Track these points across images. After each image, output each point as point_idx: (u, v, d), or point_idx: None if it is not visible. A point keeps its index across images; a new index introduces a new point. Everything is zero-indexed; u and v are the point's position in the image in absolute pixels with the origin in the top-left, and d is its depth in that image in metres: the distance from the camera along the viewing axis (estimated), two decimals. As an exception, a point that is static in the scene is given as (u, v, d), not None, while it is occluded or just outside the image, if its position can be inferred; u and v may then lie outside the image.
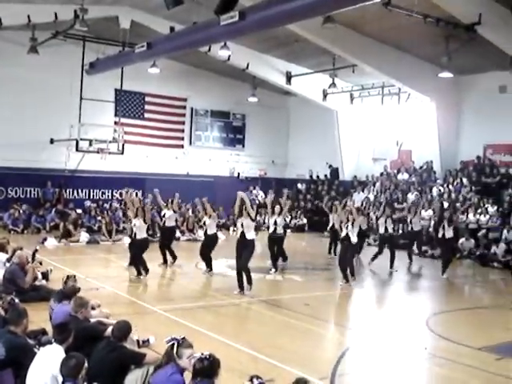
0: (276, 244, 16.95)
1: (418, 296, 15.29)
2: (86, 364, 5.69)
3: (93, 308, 8.85)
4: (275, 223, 16.74)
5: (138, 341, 8.37)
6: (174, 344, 5.74)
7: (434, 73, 22.23)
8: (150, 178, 27.59)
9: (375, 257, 18.58)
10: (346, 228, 14.80)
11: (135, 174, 27.67)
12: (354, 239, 14.79)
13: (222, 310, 12.22)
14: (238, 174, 32.09)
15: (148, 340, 8.58)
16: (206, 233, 16.42)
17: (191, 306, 12.25)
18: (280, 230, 16.97)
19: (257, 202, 30.09)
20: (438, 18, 18.51)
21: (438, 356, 9.39)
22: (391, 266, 18.03)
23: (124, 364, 6.60)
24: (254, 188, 30.99)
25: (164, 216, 17.66)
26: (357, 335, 10.84)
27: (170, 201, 17.70)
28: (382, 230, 18.84)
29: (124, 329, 6.81)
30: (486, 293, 16.42)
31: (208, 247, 16.01)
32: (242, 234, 13.34)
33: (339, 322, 12.25)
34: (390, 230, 18.87)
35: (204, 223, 16.64)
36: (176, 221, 19.86)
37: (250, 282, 13.43)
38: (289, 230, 28.23)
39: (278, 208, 16.86)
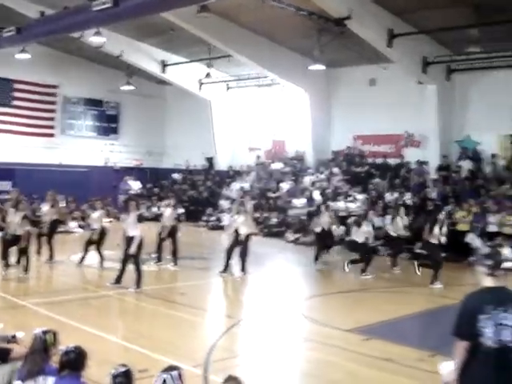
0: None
1: (292, 282, 15.67)
2: None
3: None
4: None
5: (6, 336, 8.02)
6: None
7: (307, 65, 22.79)
8: (19, 168, 26.47)
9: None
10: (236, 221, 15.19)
11: (4, 165, 26.38)
12: (242, 231, 15.02)
13: (95, 303, 12.00)
14: (113, 163, 31.43)
15: (15, 336, 8.24)
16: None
17: (62, 299, 11.91)
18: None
19: (132, 192, 29.72)
20: (310, 11, 18.99)
21: (309, 339, 9.69)
22: None
23: (-12, 360, 6.33)
24: (130, 178, 30.46)
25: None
26: (232, 322, 10.95)
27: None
28: None
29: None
30: (356, 277, 17.06)
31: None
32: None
33: (214, 310, 12.37)
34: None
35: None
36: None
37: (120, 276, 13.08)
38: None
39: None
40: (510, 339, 4.58)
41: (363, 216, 17.50)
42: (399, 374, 7.97)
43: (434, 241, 14.81)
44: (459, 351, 4.62)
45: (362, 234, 16.16)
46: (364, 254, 16.18)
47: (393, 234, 17.47)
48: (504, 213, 18.63)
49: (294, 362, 8.95)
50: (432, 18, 19.40)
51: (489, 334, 4.53)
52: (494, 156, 21.82)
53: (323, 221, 17.53)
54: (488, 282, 4.74)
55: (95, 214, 15.96)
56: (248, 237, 15.28)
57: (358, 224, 16.71)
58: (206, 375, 7.56)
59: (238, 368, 7.91)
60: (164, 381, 4.71)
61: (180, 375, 4.78)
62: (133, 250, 12.69)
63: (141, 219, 13.63)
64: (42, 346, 5.71)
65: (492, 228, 18.66)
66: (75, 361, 5.27)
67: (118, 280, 12.92)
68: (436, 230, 14.83)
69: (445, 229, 15.10)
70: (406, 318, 11.20)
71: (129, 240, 12.90)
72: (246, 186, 27.76)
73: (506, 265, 4.79)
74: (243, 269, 15.08)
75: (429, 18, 19.57)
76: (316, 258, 17.20)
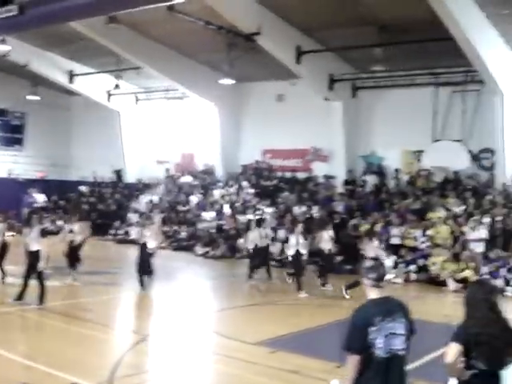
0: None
1: (201, 296, 15.62)
2: None
3: None
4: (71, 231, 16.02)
5: None
6: None
7: (217, 79, 22.91)
8: None
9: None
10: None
11: None
12: (150, 245, 14.73)
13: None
14: (17, 175, 30.42)
15: None
16: None
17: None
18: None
19: (36, 205, 28.89)
20: (220, 25, 19.13)
21: (216, 353, 9.67)
22: None
23: None
24: (35, 191, 29.58)
25: None
26: (138, 338, 10.78)
27: None
28: None
29: None
30: (264, 290, 17.19)
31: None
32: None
33: (120, 325, 12.14)
34: None
35: None
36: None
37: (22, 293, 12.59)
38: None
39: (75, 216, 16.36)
40: (399, 347, 4.78)
41: (290, 229, 17.46)
42: (305, 386, 8.08)
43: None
44: (352, 365, 4.74)
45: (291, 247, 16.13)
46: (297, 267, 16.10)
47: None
48: (406, 226, 19.29)
49: (202, 377, 8.91)
50: (339, 36, 19.96)
51: (379, 345, 4.69)
52: (397, 171, 22.58)
53: (253, 237, 17.15)
54: (374, 293, 4.93)
55: None
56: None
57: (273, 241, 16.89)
58: (111, 392, 7.42)
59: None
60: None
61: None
62: (41, 265, 12.31)
63: (44, 233, 13.23)
64: None
65: (395, 240, 19.27)
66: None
67: (20, 296, 12.48)
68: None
69: None
70: (313, 330, 11.36)
71: (30, 255, 12.50)
72: (155, 198, 27.52)
73: (388, 276, 5.00)
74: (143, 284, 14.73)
75: (336, 37, 20.13)
76: (250, 276, 16.86)
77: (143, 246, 14.78)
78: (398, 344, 4.78)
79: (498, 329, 4.87)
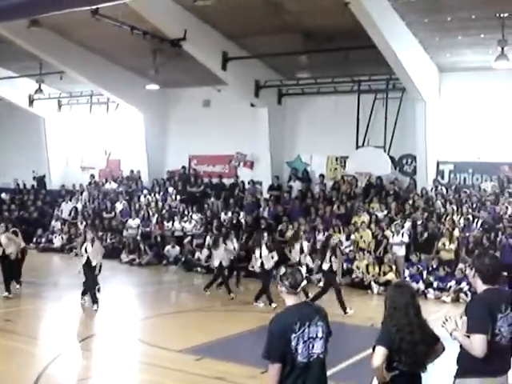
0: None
1: (126, 304, 15.41)
2: None
3: None
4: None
5: None
6: None
7: (143, 84, 22.76)
8: None
9: None
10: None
11: None
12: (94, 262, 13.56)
13: None
14: None
15: None
16: None
17: None
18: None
19: None
20: (145, 31, 18.96)
21: (140, 361, 9.59)
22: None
23: None
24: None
25: None
26: (62, 348, 10.54)
27: None
28: None
29: None
30: (190, 297, 17.15)
31: None
32: None
33: (43, 336, 11.85)
34: None
35: None
36: None
37: None
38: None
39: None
40: (319, 351, 4.85)
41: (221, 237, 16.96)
42: (231, 392, 8.09)
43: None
44: (273, 373, 4.76)
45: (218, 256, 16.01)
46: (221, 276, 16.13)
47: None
48: (331, 230, 19.58)
49: (126, 386, 8.83)
50: (265, 43, 20.13)
51: (300, 351, 4.75)
52: (322, 176, 22.92)
53: (219, 253, 16.27)
54: (291, 300, 4.97)
55: None
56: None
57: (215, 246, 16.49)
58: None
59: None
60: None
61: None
62: None
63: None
64: None
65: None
66: None
67: None
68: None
69: None
70: (238, 336, 11.40)
71: None
72: (79, 205, 26.98)
73: (303, 283, 5.06)
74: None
75: (262, 43, 20.29)
76: (207, 286, 16.35)
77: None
78: (318, 348, 4.85)
79: (420, 334, 4.99)
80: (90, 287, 13.53)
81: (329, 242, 14.71)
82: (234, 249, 17.14)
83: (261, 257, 15.06)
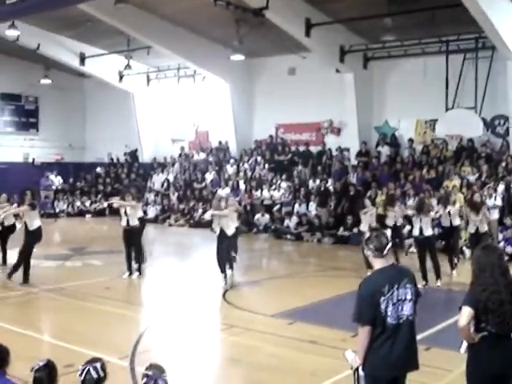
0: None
1: (215, 270, 15.76)
2: None
3: None
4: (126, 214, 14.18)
5: None
6: None
7: (227, 55, 22.88)
8: None
9: None
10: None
11: None
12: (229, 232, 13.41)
13: (18, 301, 11.79)
14: (33, 159, 30.70)
15: None
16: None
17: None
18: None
19: (54, 188, 29.21)
20: (228, 1, 19.03)
21: (234, 325, 9.85)
22: None
23: None
24: (51, 173, 29.87)
25: None
26: (157, 313, 11.00)
27: None
28: None
29: None
30: (281, 263, 17.39)
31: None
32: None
33: (139, 302, 12.37)
34: None
35: None
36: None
37: (25, 275, 12.77)
38: (89, 215, 27.87)
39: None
40: (408, 313, 4.90)
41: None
42: (323, 355, 8.22)
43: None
44: (364, 335, 4.86)
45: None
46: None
47: None
48: (422, 195, 19.24)
49: (219, 348, 9.13)
50: (348, 7, 19.80)
51: (389, 313, 4.82)
52: (411, 141, 22.50)
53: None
54: (378, 263, 5.02)
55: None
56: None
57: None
58: (133, 366, 7.61)
59: (164, 357, 7.97)
60: (87, 372, 4.77)
61: (103, 366, 4.85)
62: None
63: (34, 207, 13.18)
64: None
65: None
66: (-3, 358, 5.24)
67: (26, 278, 12.73)
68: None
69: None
70: (329, 301, 11.51)
71: (28, 233, 12.79)
72: (170, 177, 27.70)
73: (389, 246, 5.07)
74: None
75: (345, 8, 19.95)
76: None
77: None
78: (407, 309, 4.90)
79: (507, 294, 4.94)
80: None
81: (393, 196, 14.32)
82: None
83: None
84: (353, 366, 5.04)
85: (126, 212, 13.96)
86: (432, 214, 13.36)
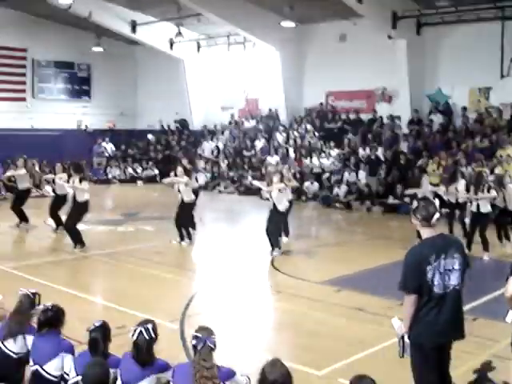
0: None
1: (264, 237, 15.90)
2: None
3: None
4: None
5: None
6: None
7: (278, 22, 22.74)
8: (-10, 132, 26.33)
9: None
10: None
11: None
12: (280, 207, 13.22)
13: (71, 264, 12.17)
14: (86, 126, 31.24)
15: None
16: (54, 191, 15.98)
17: (39, 262, 12.01)
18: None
19: (106, 155, 29.73)
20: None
21: (281, 291, 9.99)
22: None
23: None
24: (104, 140, 30.38)
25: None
26: (206, 278, 11.22)
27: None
28: None
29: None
30: (330, 232, 17.42)
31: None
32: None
33: (189, 267, 12.59)
34: None
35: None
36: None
37: (75, 240, 12.96)
38: (140, 182, 28.31)
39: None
40: (454, 282, 4.90)
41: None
42: (369, 322, 8.30)
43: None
44: (410, 304, 4.89)
45: None
46: None
47: None
48: (474, 164, 18.95)
49: (266, 313, 9.29)
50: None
51: (436, 282, 4.82)
52: (464, 109, 22.06)
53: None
54: (426, 233, 5.01)
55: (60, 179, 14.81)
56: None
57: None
58: (183, 329, 7.81)
59: (212, 321, 8.15)
60: (140, 333, 4.95)
61: (154, 327, 5.02)
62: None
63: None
64: (29, 307, 5.89)
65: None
66: (53, 318, 5.46)
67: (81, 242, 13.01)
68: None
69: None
70: (376, 270, 11.53)
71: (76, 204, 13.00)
72: (220, 145, 27.86)
73: (437, 215, 5.03)
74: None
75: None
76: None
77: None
78: (454, 279, 4.89)
79: None
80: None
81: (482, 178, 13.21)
82: None
83: None
84: (398, 334, 5.09)
85: (179, 189, 13.96)
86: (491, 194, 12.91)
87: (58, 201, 15.24)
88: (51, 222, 15.39)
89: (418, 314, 4.90)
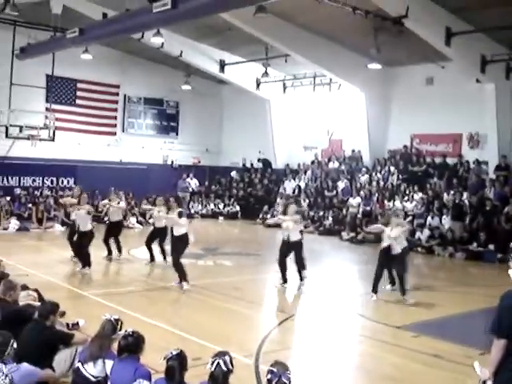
0: None
1: (347, 279, 15.80)
2: (14, 343, 5.80)
3: (23, 289, 8.82)
4: None
5: (67, 324, 8.50)
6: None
7: (364, 64, 22.81)
8: (81, 165, 27.42)
9: None
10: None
11: (67, 162, 27.36)
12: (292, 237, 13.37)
13: (153, 295, 12.42)
14: (172, 161, 32.07)
15: (77, 323, 8.73)
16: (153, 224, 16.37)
17: (122, 290, 12.37)
18: None
19: (190, 190, 30.35)
20: (367, 10, 19.01)
21: (360, 334, 9.88)
22: None
23: (52, 344, 6.73)
24: (188, 176, 31.07)
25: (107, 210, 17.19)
26: (284, 317, 11.18)
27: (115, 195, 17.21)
28: None
29: (49, 307, 6.94)
30: (410, 276, 17.01)
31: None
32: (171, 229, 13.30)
33: (268, 304, 12.64)
34: None
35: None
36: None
37: (182, 277, 12.85)
38: (221, 218, 28.70)
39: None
40: None
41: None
42: (447, 370, 8.09)
43: None
44: (497, 349, 4.75)
45: None
46: None
47: None
48: None
49: (345, 356, 9.14)
50: (490, 16, 19.12)
51: None
52: (555, 156, 21.38)
53: None
54: None
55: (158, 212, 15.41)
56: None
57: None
58: (258, 364, 7.82)
59: (289, 359, 8.14)
60: (218, 364, 5.02)
61: (231, 359, 5.09)
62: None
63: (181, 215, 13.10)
64: (111, 332, 6.09)
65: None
66: (133, 344, 5.62)
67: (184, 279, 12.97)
68: None
69: None
70: (456, 317, 11.20)
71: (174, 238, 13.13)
72: (302, 184, 27.97)
73: None
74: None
75: (487, 16, 19.29)
76: None
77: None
78: None
79: None
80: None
81: None
82: None
83: None
84: (481, 378, 4.96)
85: (287, 227, 13.52)
86: None
87: (156, 233, 15.71)
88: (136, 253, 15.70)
89: (504, 363, 4.75)
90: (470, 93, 22.63)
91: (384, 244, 12.80)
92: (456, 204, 21.50)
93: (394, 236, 12.61)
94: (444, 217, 21.36)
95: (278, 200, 27.82)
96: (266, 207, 27.94)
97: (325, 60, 24.49)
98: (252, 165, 32.01)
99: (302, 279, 13.54)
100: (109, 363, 5.87)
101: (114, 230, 16.45)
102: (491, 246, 19.17)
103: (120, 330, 6.14)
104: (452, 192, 22.13)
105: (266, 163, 31.49)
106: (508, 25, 19.24)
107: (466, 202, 21.53)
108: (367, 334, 9.86)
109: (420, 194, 22.91)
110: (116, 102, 30.65)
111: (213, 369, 5.02)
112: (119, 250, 16.35)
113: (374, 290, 12.64)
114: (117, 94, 30.58)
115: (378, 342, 9.39)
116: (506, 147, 22.37)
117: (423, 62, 23.64)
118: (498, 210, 20.24)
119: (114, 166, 28.45)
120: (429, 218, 21.59)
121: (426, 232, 20.91)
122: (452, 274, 17.18)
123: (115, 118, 30.71)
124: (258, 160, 31.73)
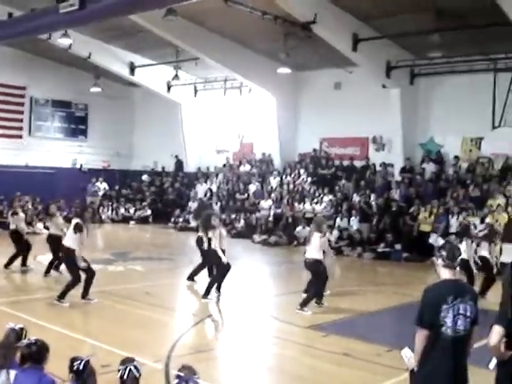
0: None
1: (257, 282, 15.90)
2: None
3: None
4: None
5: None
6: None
7: (274, 68, 23.07)
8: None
9: None
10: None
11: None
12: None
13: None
14: (81, 165, 31.34)
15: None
16: None
17: (26, 298, 11.98)
18: None
19: (99, 194, 29.77)
20: (276, 15, 19.25)
21: (272, 336, 9.94)
22: None
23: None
24: (97, 180, 30.46)
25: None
26: (196, 320, 11.14)
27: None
28: None
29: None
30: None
31: None
32: None
33: (179, 308, 12.54)
34: None
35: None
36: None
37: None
38: (133, 222, 28.33)
39: None
40: (463, 328, 4.91)
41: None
42: (356, 368, 8.24)
43: None
44: (420, 339, 4.92)
45: None
46: None
47: None
48: (465, 214, 19.06)
49: (258, 358, 9.18)
50: (396, 22, 19.78)
51: (448, 324, 4.87)
52: (456, 158, 22.28)
53: None
54: (446, 274, 5.07)
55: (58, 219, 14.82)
56: None
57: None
58: (168, 369, 7.74)
59: (201, 362, 8.09)
60: (130, 371, 4.92)
61: (138, 365, 5.00)
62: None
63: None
64: (14, 341, 5.86)
65: (453, 229, 19.08)
66: (37, 353, 5.41)
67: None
68: None
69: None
70: (364, 316, 11.50)
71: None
72: (214, 187, 27.98)
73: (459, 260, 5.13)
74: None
75: (393, 23, 19.95)
76: None
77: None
78: (464, 325, 4.93)
79: None
80: None
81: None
82: None
83: None
84: (409, 367, 5.11)
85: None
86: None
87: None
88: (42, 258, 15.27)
89: (426, 354, 4.91)
90: (377, 97, 23.28)
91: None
92: (363, 206, 22.06)
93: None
94: (352, 218, 21.89)
95: (190, 203, 27.76)
96: (177, 211, 27.77)
97: (235, 64, 24.61)
98: (163, 168, 31.74)
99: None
100: (13, 373, 5.66)
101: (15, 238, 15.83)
102: (398, 246, 19.79)
103: (25, 338, 5.93)
104: (360, 194, 22.71)
105: (179, 165, 31.29)
106: (411, 31, 19.97)
107: (374, 203, 22.12)
108: (278, 335, 9.94)
109: (329, 196, 23.37)
110: (22, 105, 29.70)
111: (126, 376, 4.92)
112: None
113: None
114: (23, 96, 29.62)
115: (290, 342, 9.50)
116: (410, 150, 23.18)
117: (332, 66, 24.11)
118: (404, 211, 20.92)
119: (20, 171, 27.49)
120: (338, 220, 22.06)
121: (335, 233, 21.32)
122: (360, 274, 17.59)
123: (21, 120, 29.76)
124: (176, 160, 31.26)
